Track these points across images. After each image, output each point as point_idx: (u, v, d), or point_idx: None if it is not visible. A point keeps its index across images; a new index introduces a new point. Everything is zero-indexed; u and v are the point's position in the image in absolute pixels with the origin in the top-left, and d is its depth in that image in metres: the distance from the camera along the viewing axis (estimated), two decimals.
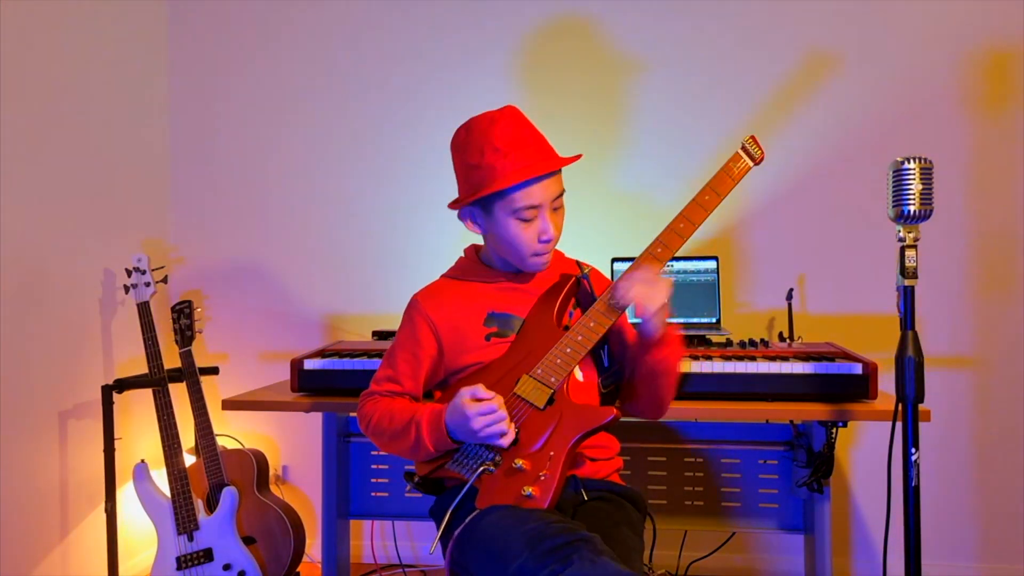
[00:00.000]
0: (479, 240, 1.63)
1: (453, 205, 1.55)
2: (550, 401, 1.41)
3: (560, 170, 1.50)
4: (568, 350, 1.43)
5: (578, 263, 1.63)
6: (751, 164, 1.48)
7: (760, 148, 1.48)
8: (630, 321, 1.62)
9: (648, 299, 1.41)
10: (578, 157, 1.51)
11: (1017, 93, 2.45)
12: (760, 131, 2.48)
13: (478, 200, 1.48)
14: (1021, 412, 2.47)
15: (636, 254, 1.50)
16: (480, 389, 1.36)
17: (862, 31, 2.52)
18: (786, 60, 2.56)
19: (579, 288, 1.57)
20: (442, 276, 1.64)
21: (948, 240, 2.47)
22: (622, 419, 1.49)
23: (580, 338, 1.44)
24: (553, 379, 1.42)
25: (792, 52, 2.56)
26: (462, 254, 1.66)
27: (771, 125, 2.56)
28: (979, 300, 2.49)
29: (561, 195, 1.51)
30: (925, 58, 2.49)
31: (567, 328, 1.48)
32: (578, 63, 2.67)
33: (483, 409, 1.34)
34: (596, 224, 2.59)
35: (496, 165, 1.44)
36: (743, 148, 1.48)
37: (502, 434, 1.35)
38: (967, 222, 2.48)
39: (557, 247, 1.60)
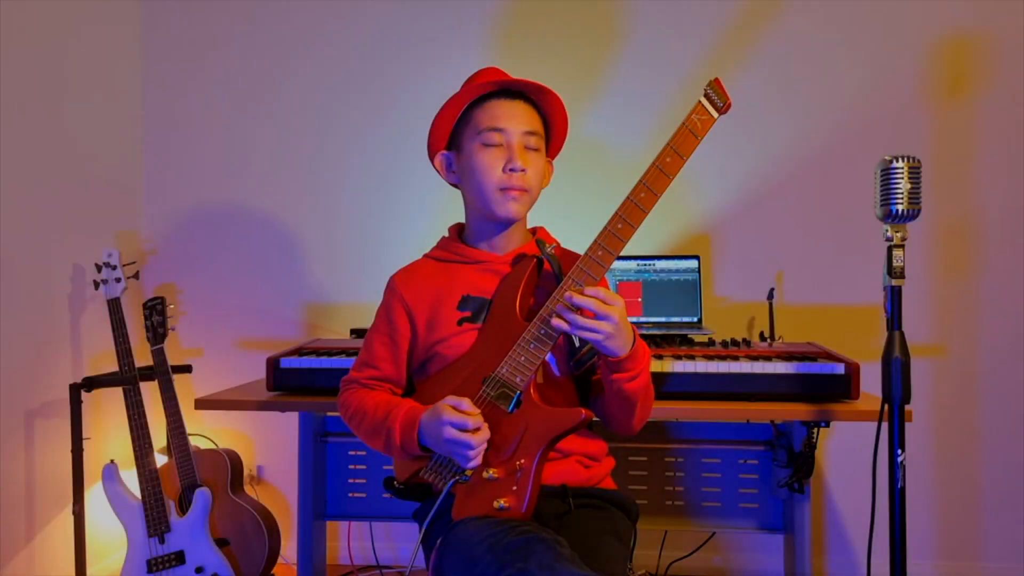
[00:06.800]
0: (462, 217, 1.58)
1: (430, 155, 1.53)
2: (517, 403, 1.33)
3: (536, 107, 1.47)
4: (531, 346, 1.33)
5: (538, 241, 1.46)
6: (715, 115, 1.27)
7: (725, 94, 1.27)
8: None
9: (591, 332, 1.27)
10: (552, 92, 1.45)
11: (978, 85, 2.48)
12: (747, 124, 2.48)
13: (452, 144, 1.47)
14: (991, 406, 2.50)
15: (602, 223, 1.33)
16: (465, 402, 1.31)
17: (841, 24, 2.53)
18: (769, 55, 2.57)
19: (540, 272, 1.44)
20: (423, 256, 1.59)
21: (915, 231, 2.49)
22: (596, 419, 1.42)
23: (542, 332, 1.32)
24: (519, 379, 1.32)
25: (778, 48, 2.57)
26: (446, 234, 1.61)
27: (754, 117, 2.56)
28: (945, 291, 2.52)
29: (536, 136, 1.44)
30: (893, 53, 2.52)
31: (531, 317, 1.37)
32: (552, 42, 2.66)
33: (459, 433, 1.27)
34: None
35: (462, 91, 1.44)
36: (705, 95, 1.27)
37: (467, 458, 1.29)
38: (930, 212, 2.50)
39: (543, 228, 1.57)
